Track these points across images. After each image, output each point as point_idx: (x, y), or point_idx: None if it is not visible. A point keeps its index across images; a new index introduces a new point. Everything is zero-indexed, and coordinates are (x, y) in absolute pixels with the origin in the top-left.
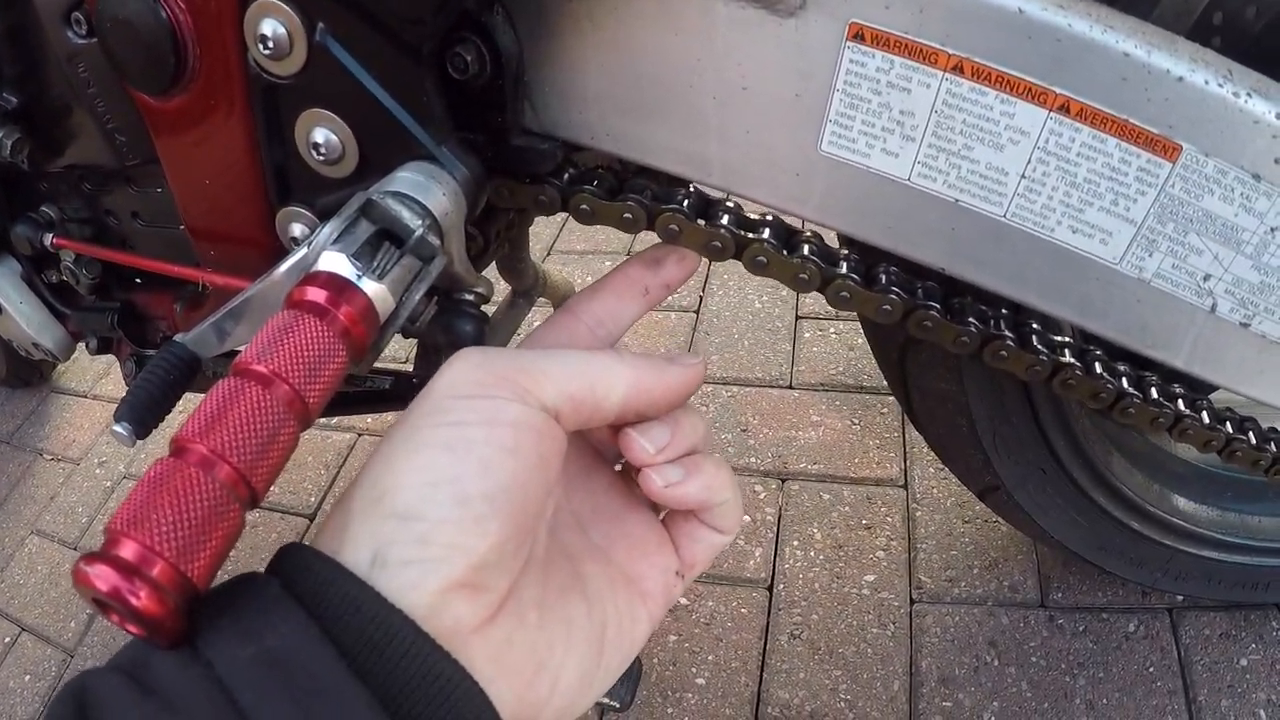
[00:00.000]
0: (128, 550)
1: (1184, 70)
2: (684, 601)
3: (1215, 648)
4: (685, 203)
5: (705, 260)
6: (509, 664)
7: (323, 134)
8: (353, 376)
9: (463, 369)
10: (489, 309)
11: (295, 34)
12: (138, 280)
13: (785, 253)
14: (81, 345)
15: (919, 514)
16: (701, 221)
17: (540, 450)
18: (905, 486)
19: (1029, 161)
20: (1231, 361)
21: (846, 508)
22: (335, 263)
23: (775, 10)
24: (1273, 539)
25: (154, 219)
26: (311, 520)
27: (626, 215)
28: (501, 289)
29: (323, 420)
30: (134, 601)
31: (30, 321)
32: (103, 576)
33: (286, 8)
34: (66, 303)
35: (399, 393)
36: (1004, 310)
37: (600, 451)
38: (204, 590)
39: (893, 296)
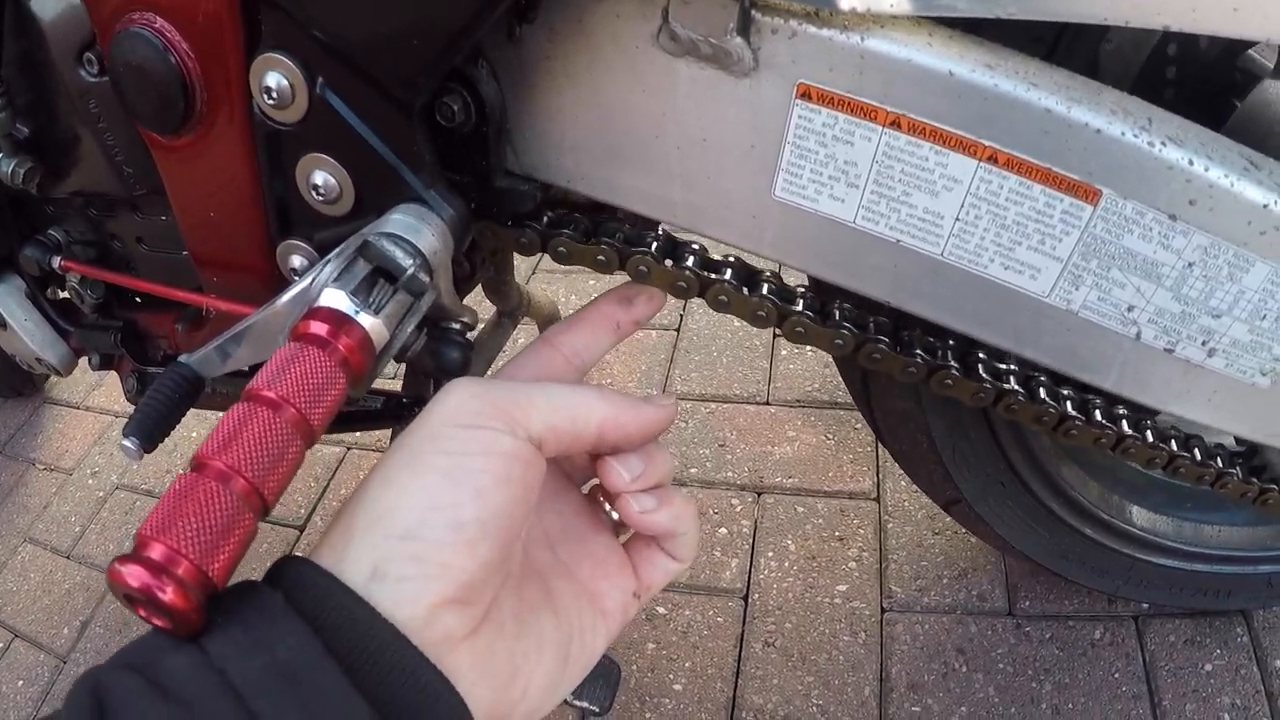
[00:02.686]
0: (156, 552)
1: (1101, 123)
2: (662, 611)
3: (1180, 654)
4: (654, 246)
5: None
6: (489, 670)
7: (322, 177)
8: (349, 398)
9: (460, 398)
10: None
11: (297, 86)
12: (139, 300)
13: (745, 291)
14: (83, 360)
15: (890, 526)
16: (669, 263)
17: (526, 479)
18: (878, 500)
19: (962, 206)
20: (1158, 384)
21: (820, 520)
22: (335, 299)
23: (731, 71)
24: (1231, 548)
25: (158, 245)
26: (301, 531)
27: (600, 257)
28: (487, 309)
29: None
30: (161, 596)
31: (34, 338)
32: (134, 574)
33: (290, 62)
34: (70, 320)
35: (391, 412)
36: (951, 341)
37: (570, 475)
38: (222, 588)
39: (844, 331)
